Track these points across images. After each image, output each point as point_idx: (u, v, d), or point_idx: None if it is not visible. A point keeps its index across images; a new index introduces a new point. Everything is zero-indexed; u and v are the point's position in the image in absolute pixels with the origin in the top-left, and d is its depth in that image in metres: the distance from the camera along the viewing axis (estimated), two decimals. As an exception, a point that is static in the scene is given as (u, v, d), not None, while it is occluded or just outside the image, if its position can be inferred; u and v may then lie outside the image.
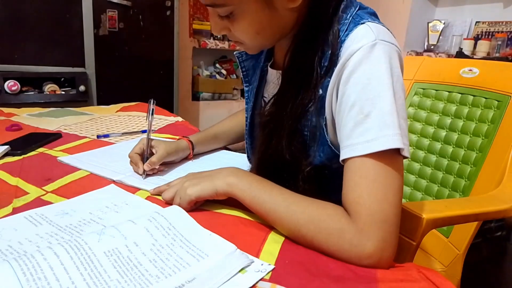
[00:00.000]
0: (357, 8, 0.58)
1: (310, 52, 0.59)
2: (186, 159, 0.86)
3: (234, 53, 0.77)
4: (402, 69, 0.56)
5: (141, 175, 0.73)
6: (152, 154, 0.76)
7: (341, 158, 0.53)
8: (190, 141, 0.86)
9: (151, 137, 0.78)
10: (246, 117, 0.78)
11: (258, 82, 0.74)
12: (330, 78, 0.57)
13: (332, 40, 0.56)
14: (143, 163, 0.73)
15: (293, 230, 0.51)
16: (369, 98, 0.51)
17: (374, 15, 0.59)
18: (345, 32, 0.56)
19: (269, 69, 0.72)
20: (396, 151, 0.49)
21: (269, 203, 0.53)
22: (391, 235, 0.47)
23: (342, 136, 0.54)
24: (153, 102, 0.79)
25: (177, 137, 1.07)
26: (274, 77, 0.70)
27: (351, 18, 0.57)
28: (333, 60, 0.56)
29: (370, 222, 0.47)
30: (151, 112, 0.78)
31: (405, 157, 0.51)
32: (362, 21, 0.56)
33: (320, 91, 0.58)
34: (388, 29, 0.58)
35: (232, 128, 0.96)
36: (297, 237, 0.51)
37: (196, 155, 0.89)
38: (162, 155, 0.76)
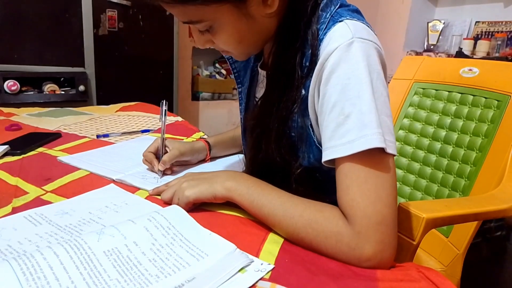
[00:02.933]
0: (337, 6, 0.57)
1: (291, 53, 0.58)
2: (203, 160, 0.87)
3: (224, 55, 0.77)
4: (384, 65, 0.55)
5: (157, 173, 0.75)
6: (166, 153, 0.78)
7: (323, 159, 0.53)
8: (207, 142, 0.87)
9: (166, 137, 0.80)
10: (241, 119, 0.78)
11: (249, 83, 0.74)
12: (311, 78, 0.56)
13: (312, 40, 0.56)
14: (158, 162, 0.75)
15: (292, 233, 0.51)
16: (348, 99, 0.51)
17: (356, 12, 0.58)
18: (323, 30, 0.56)
19: (259, 69, 0.72)
20: (382, 150, 0.49)
21: (267, 207, 0.53)
22: (389, 236, 0.47)
23: (324, 138, 0.53)
24: (165, 104, 0.81)
25: (179, 137, 1.07)
26: (263, 78, 0.70)
27: (330, 16, 0.56)
28: (313, 60, 0.56)
29: (367, 225, 0.46)
30: (164, 113, 0.80)
31: (392, 155, 0.50)
32: (340, 19, 0.55)
33: (303, 92, 0.58)
34: (369, 26, 0.57)
35: None
36: (296, 240, 0.51)
37: (213, 158, 0.89)
38: (174, 155, 0.77)
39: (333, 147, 0.51)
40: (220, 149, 0.89)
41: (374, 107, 0.50)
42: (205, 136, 1.09)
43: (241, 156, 0.88)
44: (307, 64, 0.57)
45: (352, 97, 0.51)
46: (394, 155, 0.51)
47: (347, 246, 0.47)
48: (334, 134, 0.51)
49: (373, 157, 0.49)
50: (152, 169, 0.77)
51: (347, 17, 0.55)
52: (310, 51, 0.56)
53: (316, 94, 0.56)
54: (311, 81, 0.56)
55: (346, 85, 0.51)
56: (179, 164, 0.82)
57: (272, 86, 0.62)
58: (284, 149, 0.61)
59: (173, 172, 0.78)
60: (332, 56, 0.52)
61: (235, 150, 0.93)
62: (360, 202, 0.48)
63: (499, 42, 2.46)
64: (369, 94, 0.50)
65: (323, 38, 0.55)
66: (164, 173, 0.76)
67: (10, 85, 1.93)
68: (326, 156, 0.52)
